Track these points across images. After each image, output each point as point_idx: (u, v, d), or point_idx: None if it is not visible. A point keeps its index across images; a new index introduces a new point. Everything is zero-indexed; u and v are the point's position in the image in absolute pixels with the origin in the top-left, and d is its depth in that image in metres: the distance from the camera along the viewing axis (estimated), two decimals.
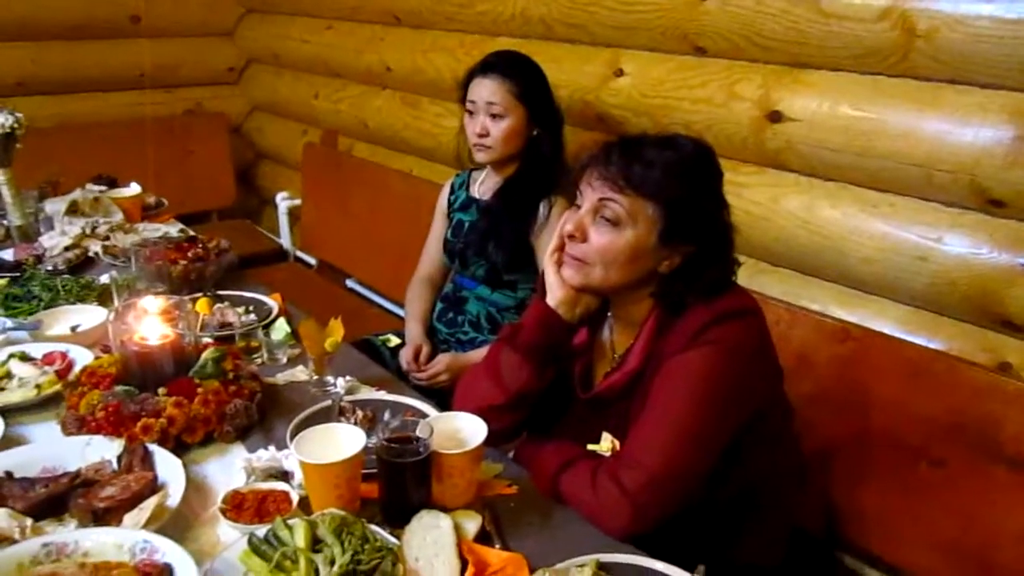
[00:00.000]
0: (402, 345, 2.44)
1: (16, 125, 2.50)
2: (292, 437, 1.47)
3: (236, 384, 1.63)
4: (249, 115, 4.73)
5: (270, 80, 4.45)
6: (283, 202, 4.32)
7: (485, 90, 2.24)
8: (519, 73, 2.25)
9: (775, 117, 2.07)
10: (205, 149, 4.45)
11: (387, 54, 3.46)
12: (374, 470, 1.35)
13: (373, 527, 1.25)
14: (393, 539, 1.24)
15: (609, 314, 1.56)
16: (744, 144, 2.15)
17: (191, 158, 4.39)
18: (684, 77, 2.29)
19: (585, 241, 1.42)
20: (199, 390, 1.58)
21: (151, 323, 1.64)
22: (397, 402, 1.68)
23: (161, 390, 1.57)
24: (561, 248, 1.48)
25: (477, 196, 2.43)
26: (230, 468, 1.48)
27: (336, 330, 1.77)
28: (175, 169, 4.17)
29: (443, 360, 2.30)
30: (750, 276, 2.19)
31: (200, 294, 2.14)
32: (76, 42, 4.07)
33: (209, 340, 1.80)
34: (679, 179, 1.39)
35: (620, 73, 2.46)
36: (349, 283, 3.89)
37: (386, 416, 1.45)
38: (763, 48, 2.08)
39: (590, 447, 1.49)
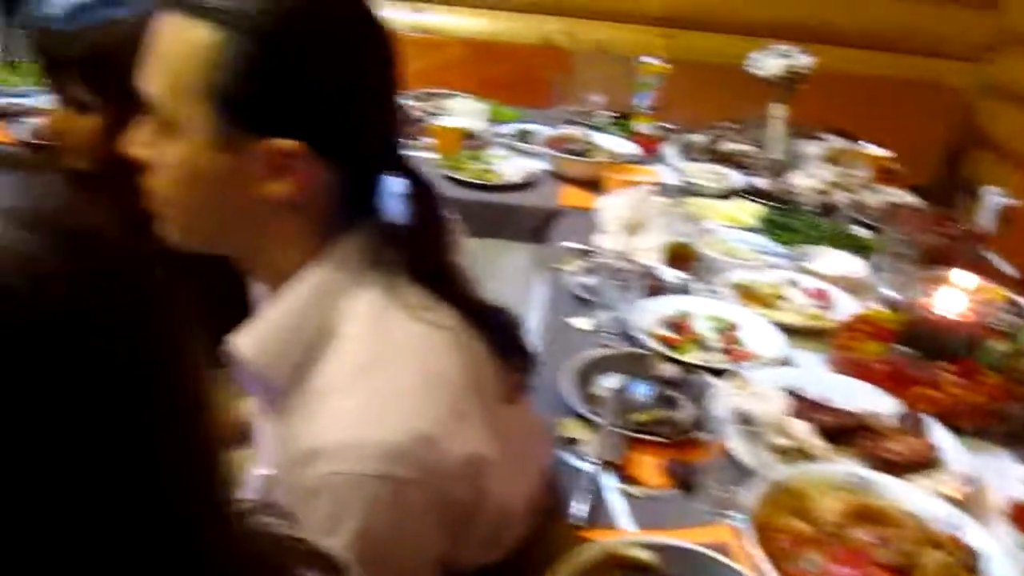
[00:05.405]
0: None
1: (806, 68, 2.64)
2: None
3: (1021, 386, 1.52)
4: (984, 97, 4.39)
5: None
6: (994, 198, 3.97)
7: None
8: None
9: None
10: (923, 121, 4.26)
11: None
12: None
13: None
14: None
15: None
16: None
17: (905, 125, 4.24)
18: None
19: None
20: (980, 377, 1.50)
21: (950, 295, 1.60)
22: None
23: (946, 365, 1.52)
24: None
25: None
26: (997, 471, 1.39)
27: None
28: (885, 134, 4.08)
29: None
30: None
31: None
32: None
33: (995, 327, 1.70)
34: None
35: None
36: None
37: None
38: None
39: None
